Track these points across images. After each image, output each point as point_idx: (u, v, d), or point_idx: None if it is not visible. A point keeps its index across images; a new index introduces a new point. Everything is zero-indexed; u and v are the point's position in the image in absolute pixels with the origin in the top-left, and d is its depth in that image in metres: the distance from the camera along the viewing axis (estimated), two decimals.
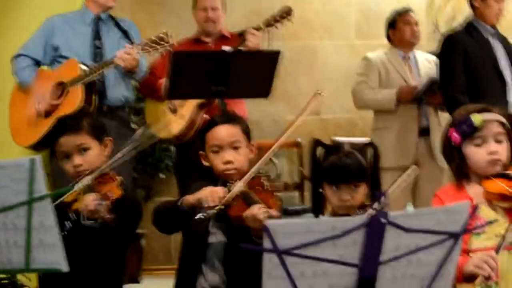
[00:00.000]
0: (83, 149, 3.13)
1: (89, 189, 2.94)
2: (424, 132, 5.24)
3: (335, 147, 2.98)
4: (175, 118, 4.90)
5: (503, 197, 2.80)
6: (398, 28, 5.52)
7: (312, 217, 3.02)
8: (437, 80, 5.15)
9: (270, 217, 2.77)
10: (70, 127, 3.16)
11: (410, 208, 5.24)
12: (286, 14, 4.88)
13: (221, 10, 5.19)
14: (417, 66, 5.51)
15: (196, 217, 2.87)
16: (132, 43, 4.56)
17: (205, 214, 2.86)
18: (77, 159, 3.11)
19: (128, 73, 4.56)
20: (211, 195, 2.92)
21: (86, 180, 2.95)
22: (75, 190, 2.92)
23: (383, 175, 5.10)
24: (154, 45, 4.35)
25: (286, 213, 5.20)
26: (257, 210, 2.82)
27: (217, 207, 2.87)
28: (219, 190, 2.95)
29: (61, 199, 2.82)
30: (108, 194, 2.89)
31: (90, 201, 2.87)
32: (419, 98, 5.26)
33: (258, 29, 4.84)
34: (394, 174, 5.12)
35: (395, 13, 5.62)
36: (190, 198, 2.99)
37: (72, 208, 2.93)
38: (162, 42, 4.33)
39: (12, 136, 4.82)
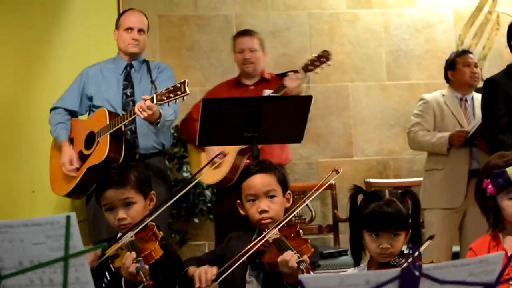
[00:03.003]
0: (128, 203, 3.12)
1: (131, 244, 2.90)
2: (475, 174, 5.15)
3: (375, 195, 2.94)
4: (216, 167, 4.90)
5: None
6: (458, 70, 5.50)
7: (350, 260, 3.02)
8: None
9: (302, 263, 2.77)
10: (116, 180, 3.15)
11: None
12: (325, 58, 4.89)
13: (260, 51, 5.21)
14: (474, 109, 5.47)
15: None
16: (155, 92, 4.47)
17: None
18: (121, 213, 3.10)
19: (150, 123, 4.50)
20: (201, 276, 2.92)
21: (129, 236, 2.93)
22: (117, 243, 2.91)
23: (432, 215, 5.16)
24: (170, 95, 4.25)
25: (321, 256, 5.20)
26: (290, 256, 2.83)
27: None
28: (211, 272, 2.93)
29: (104, 257, 2.83)
30: (150, 255, 2.86)
31: (130, 263, 2.79)
32: (470, 141, 5.24)
33: (296, 73, 4.86)
34: (443, 214, 5.19)
35: (454, 54, 5.62)
36: (191, 271, 3.01)
37: (114, 265, 2.90)
38: (178, 93, 4.23)
39: (50, 185, 4.91)
